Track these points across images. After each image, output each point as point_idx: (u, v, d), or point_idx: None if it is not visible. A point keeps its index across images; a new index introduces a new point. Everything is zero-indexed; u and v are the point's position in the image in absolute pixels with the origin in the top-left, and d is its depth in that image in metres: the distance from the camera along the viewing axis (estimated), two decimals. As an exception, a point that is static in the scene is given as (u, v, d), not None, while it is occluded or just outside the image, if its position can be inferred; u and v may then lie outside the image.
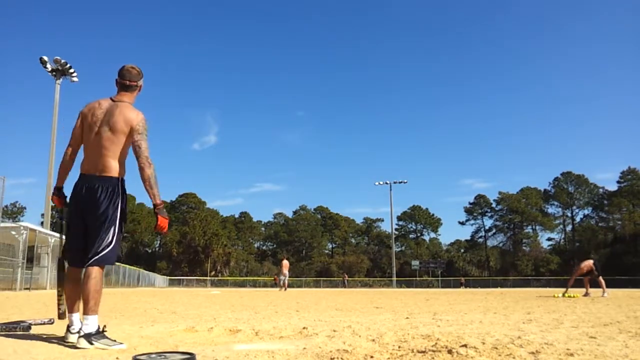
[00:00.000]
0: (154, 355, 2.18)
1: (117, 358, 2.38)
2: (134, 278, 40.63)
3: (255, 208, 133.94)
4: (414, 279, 59.03)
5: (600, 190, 73.71)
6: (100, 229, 2.85)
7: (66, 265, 3.01)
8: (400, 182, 53.93)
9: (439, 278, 58.64)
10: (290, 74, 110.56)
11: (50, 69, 27.47)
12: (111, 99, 3.06)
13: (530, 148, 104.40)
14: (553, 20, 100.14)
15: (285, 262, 23.65)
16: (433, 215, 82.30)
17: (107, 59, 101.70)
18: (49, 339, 2.93)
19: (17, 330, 3.17)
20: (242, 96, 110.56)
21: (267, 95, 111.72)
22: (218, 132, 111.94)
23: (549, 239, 76.70)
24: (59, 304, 3.04)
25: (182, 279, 59.09)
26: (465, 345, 2.58)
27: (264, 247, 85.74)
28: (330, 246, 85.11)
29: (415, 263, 63.51)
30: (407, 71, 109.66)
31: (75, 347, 2.65)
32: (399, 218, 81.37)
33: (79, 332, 2.75)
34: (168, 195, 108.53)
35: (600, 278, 12.93)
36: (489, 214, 78.72)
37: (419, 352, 2.45)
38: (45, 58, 27.35)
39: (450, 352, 2.40)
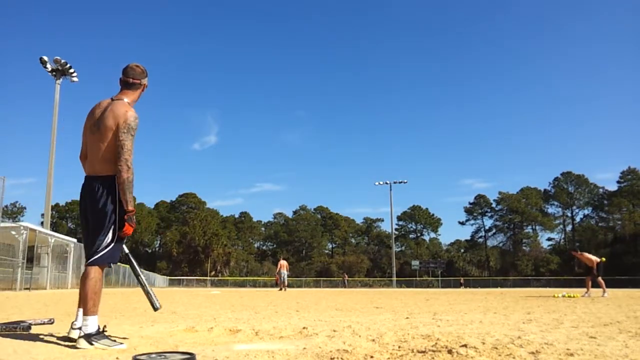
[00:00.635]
0: (154, 355, 2.18)
1: (117, 358, 2.38)
2: (134, 278, 40.51)
3: (255, 208, 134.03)
4: (414, 279, 59.04)
5: (600, 190, 73.75)
6: (99, 229, 2.83)
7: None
8: (400, 182, 53.96)
9: (439, 278, 58.64)
10: (290, 74, 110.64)
11: (50, 69, 27.47)
12: (112, 98, 3.05)
13: (530, 148, 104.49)
14: (553, 20, 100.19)
15: (282, 262, 23.69)
16: (433, 215, 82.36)
17: (107, 59, 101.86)
18: (49, 339, 2.93)
19: (17, 330, 3.17)
20: (242, 96, 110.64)
21: (267, 96, 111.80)
22: (218, 132, 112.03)
23: (549, 239, 76.84)
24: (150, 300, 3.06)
25: (182, 279, 59.09)
26: (465, 345, 2.58)
27: (264, 247, 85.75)
28: (330, 246, 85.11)
29: (415, 263, 63.51)
30: (407, 71, 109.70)
31: (75, 347, 2.65)
32: (399, 218, 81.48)
33: (80, 329, 2.76)
34: (168, 195, 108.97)
35: (600, 278, 12.93)
36: (489, 214, 78.79)
37: (419, 352, 2.45)
38: (45, 58, 27.35)
39: (450, 352, 2.40)
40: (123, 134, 2.85)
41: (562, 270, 63.40)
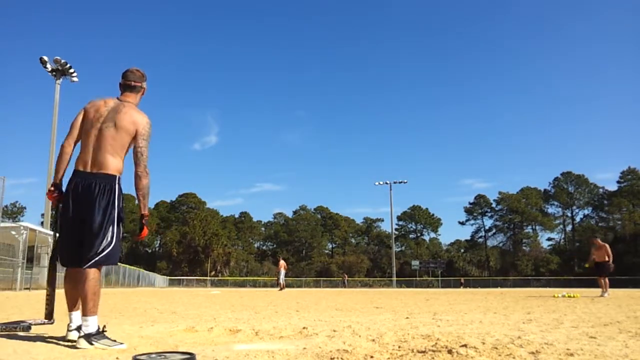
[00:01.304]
0: (154, 355, 2.18)
1: (117, 358, 2.38)
2: (134, 278, 40.62)
3: (255, 208, 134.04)
4: (414, 279, 59.04)
5: (600, 190, 73.76)
6: (100, 229, 2.79)
7: (58, 265, 2.98)
8: (400, 182, 53.96)
9: (439, 278, 58.64)
10: (290, 74, 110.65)
11: (50, 69, 27.45)
12: (117, 98, 3.06)
13: (530, 148, 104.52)
14: (553, 20, 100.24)
15: (281, 262, 23.76)
16: (433, 215, 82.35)
17: (107, 59, 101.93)
18: (49, 339, 2.93)
19: (17, 330, 3.17)
20: (243, 96, 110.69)
21: (268, 96, 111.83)
22: (218, 132, 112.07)
23: (549, 239, 76.85)
24: (47, 304, 3.04)
25: (182, 279, 59.08)
26: (465, 345, 2.58)
27: (264, 247, 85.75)
28: (330, 246, 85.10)
29: (415, 263, 63.52)
30: (407, 71, 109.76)
31: (75, 347, 2.65)
32: (399, 218, 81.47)
33: (78, 329, 2.75)
34: (168, 195, 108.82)
35: (606, 278, 12.76)
36: (489, 214, 78.79)
37: (419, 352, 2.45)
38: (45, 58, 27.33)
39: (450, 352, 2.40)
40: (143, 140, 2.93)
41: (562, 270, 63.41)
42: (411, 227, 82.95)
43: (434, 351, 2.43)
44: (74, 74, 28.30)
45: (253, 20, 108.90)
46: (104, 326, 2.78)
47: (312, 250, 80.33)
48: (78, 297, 2.85)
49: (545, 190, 77.13)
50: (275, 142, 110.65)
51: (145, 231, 3.05)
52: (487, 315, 5.24)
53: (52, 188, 2.96)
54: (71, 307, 2.87)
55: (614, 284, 13.32)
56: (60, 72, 27.76)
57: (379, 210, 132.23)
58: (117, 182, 2.89)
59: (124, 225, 2.97)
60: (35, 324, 3.32)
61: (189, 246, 66.65)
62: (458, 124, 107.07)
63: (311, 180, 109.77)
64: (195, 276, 61.05)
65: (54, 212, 3.15)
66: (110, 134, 2.88)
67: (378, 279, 63.71)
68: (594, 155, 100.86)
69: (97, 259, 2.76)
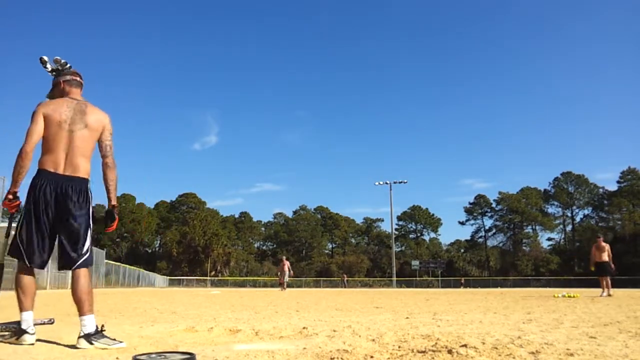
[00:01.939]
0: (154, 355, 2.18)
1: (117, 358, 2.38)
2: (134, 278, 40.62)
3: (255, 208, 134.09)
4: (414, 279, 59.04)
5: (600, 190, 73.76)
6: (85, 232, 2.86)
7: (17, 263, 2.88)
8: (400, 182, 53.94)
9: (439, 278, 58.64)
10: (291, 73, 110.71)
11: (50, 69, 27.45)
12: (71, 98, 3.05)
13: (530, 148, 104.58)
14: (553, 20, 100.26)
15: (286, 262, 23.64)
16: (433, 215, 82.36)
17: (107, 59, 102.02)
18: (49, 339, 2.93)
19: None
20: (243, 96, 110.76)
21: (268, 96, 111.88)
22: (219, 132, 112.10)
23: (549, 239, 76.85)
24: None
25: (182, 279, 59.08)
26: (465, 345, 2.58)
27: (264, 247, 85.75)
28: (330, 246, 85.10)
29: (415, 263, 63.51)
30: (407, 71, 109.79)
31: (75, 347, 2.66)
32: (399, 218, 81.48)
33: (32, 331, 2.75)
34: (168, 195, 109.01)
35: (607, 278, 12.74)
36: (489, 214, 78.79)
37: (419, 352, 2.45)
38: (45, 58, 27.27)
39: (450, 352, 2.40)
40: (110, 135, 3.04)
41: (562, 270, 63.42)
42: (411, 227, 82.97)
43: (434, 351, 2.43)
44: (74, 74, 28.34)
45: (253, 20, 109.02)
46: (102, 325, 2.79)
47: (312, 250, 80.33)
48: (34, 296, 2.86)
49: (545, 190, 77.16)
50: (275, 142, 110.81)
51: (117, 222, 3.05)
52: (487, 315, 5.24)
53: (11, 197, 2.83)
54: (29, 307, 2.85)
55: (613, 284, 13.28)
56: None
57: (379, 210, 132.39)
58: (89, 185, 2.96)
59: (117, 227, 3.03)
60: (35, 324, 3.32)
61: (189, 246, 66.64)
62: (458, 124, 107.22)
63: (311, 180, 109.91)
64: (195, 276, 61.04)
65: (8, 218, 3.08)
66: (82, 136, 2.91)
67: (378, 279, 63.70)
68: (594, 155, 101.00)
69: (83, 260, 2.83)
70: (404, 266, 68.05)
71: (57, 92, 3.14)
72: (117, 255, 68.90)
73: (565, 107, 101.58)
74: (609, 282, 12.79)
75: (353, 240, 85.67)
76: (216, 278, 61.59)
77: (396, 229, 76.49)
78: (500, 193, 77.51)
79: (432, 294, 15.57)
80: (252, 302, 9.50)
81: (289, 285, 22.66)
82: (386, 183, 53.35)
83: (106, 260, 31.76)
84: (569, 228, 76.02)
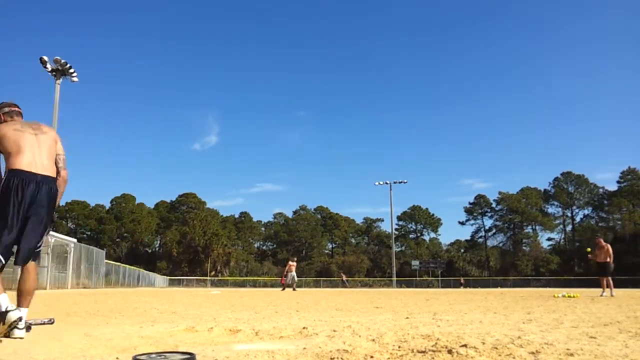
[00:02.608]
0: (154, 355, 2.18)
1: (117, 358, 2.38)
2: (134, 278, 40.61)
3: (255, 208, 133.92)
4: (414, 279, 59.02)
5: (600, 190, 73.72)
6: (45, 227, 3.13)
7: None
8: (400, 182, 53.93)
9: (439, 278, 58.63)
10: (291, 73, 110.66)
11: (50, 69, 27.44)
12: (23, 119, 3.44)
13: (530, 148, 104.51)
14: (553, 20, 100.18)
15: (290, 262, 23.57)
16: (433, 215, 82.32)
17: (107, 59, 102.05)
18: (49, 339, 2.93)
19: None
20: (243, 96, 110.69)
21: (268, 96, 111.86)
22: (219, 132, 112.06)
23: (549, 239, 76.79)
24: None
25: (182, 279, 59.05)
26: (465, 345, 2.58)
27: (264, 247, 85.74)
28: (330, 246, 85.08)
29: (415, 263, 63.47)
30: (407, 71, 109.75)
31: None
32: (399, 218, 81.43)
33: (12, 308, 2.93)
34: (168, 196, 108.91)
35: (608, 278, 12.72)
36: (489, 214, 78.74)
37: (419, 352, 2.45)
38: (45, 58, 27.30)
39: (450, 352, 2.40)
40: (62, 149, 3.43)
41: (562, 270, 63.40)
42: (411, 227, 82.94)
43: (434, 351, 2.43)
44: (74, 74, 28.27)
45: (253, 20, 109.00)
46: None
47: (312, 250, 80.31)
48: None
49: (545, 190, 77.13)
50: (276, 142, 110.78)
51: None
52: (487, 315, 5.24)
53: None
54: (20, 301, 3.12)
55: (613, 284, 13.27)
56: (60, 72, 27.73)
57: (379, 210, 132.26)
58: (62, 183, 3.34)
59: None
60: (35, 324, 3.33)
61: (189, 246, 66.62)
62: (458, 124, 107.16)
63: (311, 180, 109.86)
64: (195, 276, 61.02)
65: None
66: (47, 142, 3.28)
67: (378, 279, 63.68)
68: (594, 155, 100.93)
69: (35, 254, 3.18)
70: (404, 266, 68.03)
71: None
72: (117, 255, 68.92)
73: (565, 107, 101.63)
74: (611, 282, 12.78)
75: (353, 240, 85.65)
76: (216, 278, 61.57)
77: (396, 229, 76.55)
78: (500, 193, 77.55)
79: (432, 294, 15.57)
80: (252, 302, 9.50)
81: (288, 285, 22.56)
82: (386, 183, 53.35)
83: (106, 260, 31.75)
84: (569, 228, 76.03)
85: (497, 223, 77.90)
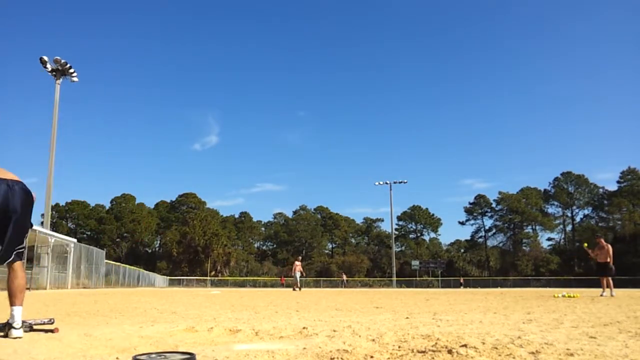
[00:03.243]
0: (154, 355, 2.18)
1: (117, 358, 2.38)
2: (134, 278, 40.61)
3: (255, 208, 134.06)
4: (414, 279, 59.03)
5: (600, 190, 73.76)
6: (27, 228, 3.22)
7: None
8: (400, 182, 53.96)
9: (439, 278, 58.64)
10: (291, 74, 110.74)
11: (50, 69, 27.46)
12: None
13: (530, 148, 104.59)
14: (553, 20, 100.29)
15: (296, 263, 23.65)
16: (433, 215, 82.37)
17: (107, 59, 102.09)
18: (49, 339, 2.93)
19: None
20: (243, 96, 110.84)
21: (268, 96, 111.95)
22: (219, 132, 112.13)
23: (549, 239, 76.88)
24: None
25: (182, 279, 59.06)
26: (465, 345, 2.58)
27: (264, 247, 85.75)
28: (330, 246, 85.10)
29: (415, 263, 63.49)
30: (407, 71, 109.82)
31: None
32: (399, 218, 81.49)
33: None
34: (168, 196, 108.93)
35: (608, 278, 12.70)
36: (489, 214, 78.80)
37: (419, 352, 2.45)
38: (45, 58, 27.35)
39: (450, 352, 2.40)
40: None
41: (562, 270, 63.41)
42: (411, 227, 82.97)
43: (434, 351, 2.43)
44: (74, 74, 28.32)
45: (253, 20, 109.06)
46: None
47: (312, 250, 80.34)
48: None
49: (545, 190, 77.16)
50: (276, 142, 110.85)
51: None
52: (487, 315, 5.24)
53: None
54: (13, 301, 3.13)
55: (613, 284, 13.26)
56: (60, 72, 27.77)
57: (379, 210, 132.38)
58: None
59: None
60: (35, 324, 3.33)
61: (189, 246, 66.63)
62: (458, 124, 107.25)
63: (311, 180, 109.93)
64: (195, 276, 61.03)
65: None
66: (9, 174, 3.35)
67: (378, 279, 63.69)
68: (594, 155, 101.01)
69: (18, 254, 3.18)
70: (404, 266, 68.04)
71: None
72: (117, 255, 68.93)
73: (565, 107, 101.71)
74: (611, 282, 12.77)
75: (353, 240, 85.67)
76: (216, 278, 61.58)
77: (396, 229, 76.57)
78: (500, 193, 77.63)
79: (432, 294, 15.57)
80: (252, 302, 9.50)
81: (288, 285, 22.60)
82: (386, 183, 53.37)
83: (106, 260, 31.75)
84: (569, 228, 76.05)
85: (497, 223, 77.96)
